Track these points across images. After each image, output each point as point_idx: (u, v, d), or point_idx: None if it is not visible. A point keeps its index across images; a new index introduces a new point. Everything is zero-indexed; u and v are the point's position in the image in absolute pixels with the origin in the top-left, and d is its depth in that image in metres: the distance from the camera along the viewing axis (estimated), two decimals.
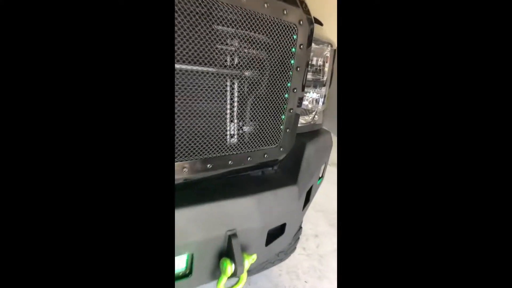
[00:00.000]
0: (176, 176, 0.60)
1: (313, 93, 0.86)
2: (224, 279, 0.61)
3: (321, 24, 0.86)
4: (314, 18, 0.75)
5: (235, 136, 0.68)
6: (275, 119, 0.71)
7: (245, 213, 0.65)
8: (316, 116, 0.91)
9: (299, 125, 0.84)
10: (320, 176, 1.06)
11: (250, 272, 0.85)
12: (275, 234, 0.75)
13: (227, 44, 0.61)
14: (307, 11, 0.67)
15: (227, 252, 0.61)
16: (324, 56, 0.84)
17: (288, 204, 0.73)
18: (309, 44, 0.69)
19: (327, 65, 0.90)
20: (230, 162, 0.66)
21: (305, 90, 0.79)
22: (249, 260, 0.63)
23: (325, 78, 0.90)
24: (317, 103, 0.90)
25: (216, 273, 0.64)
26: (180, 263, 0.60)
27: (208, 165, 0.63)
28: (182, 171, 0.60)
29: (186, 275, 0.61)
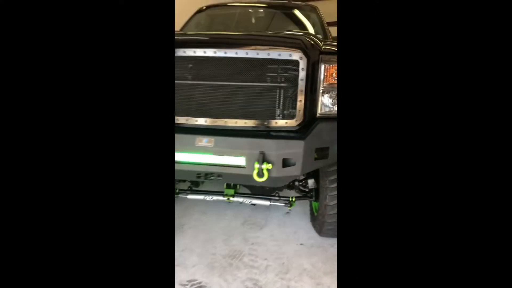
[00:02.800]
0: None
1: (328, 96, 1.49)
2: (256, 170, 1.40)
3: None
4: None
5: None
6: (292, 105, 1.45)
7: (269, 146, 1.42)
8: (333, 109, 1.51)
9: (323, 112, 1.50)
10: None
11: (276, 179, 1.55)
12: (289, 164, 1.45)
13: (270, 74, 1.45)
14: (306, 52, 1.38)
15: (258, 159, 1.41)
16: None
17: (294, 148, 1.42)
18: (309, 67, 1.39)
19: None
20: (265, 122, 1.47)
21: (325, 94, 1.46)
22: (266, 165, 1.39)
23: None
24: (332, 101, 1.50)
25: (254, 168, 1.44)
26: (241, 161, 1.46)
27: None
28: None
29: (243, 167, 1.46)
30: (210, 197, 2.13)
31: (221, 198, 2.11)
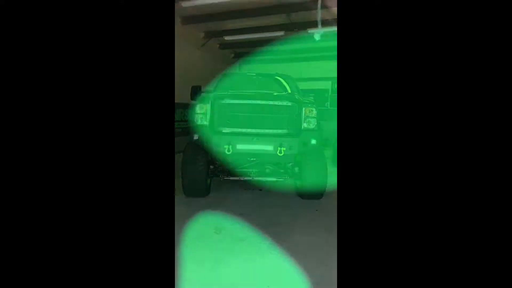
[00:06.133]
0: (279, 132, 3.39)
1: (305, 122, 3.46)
2: (278, 151, 3.25)
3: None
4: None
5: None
6: (291, 124, 3.40)
7: (283, 140, 3.32)
8: (313, 125, 3.47)
9: (304, 128, 3.46)
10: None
11: (286, 156, 3.40)
12: (291, 148, 3.33)
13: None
14: (297, 102, 3.39)
15: (279, 146, 3.27)
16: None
17: (294, 142, 3.33)
18: (299, 109, 3.38)
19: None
20: (280, 131, 3.38)
21: (308, 120, 3.44)
22: (283, 148, 3.26)
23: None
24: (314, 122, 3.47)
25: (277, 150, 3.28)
26: (271, 148, 3.30)
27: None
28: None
29: (272, 150, 3.29)
30: (243, 178, 3.86)
31: (249, 178, 3.85)
